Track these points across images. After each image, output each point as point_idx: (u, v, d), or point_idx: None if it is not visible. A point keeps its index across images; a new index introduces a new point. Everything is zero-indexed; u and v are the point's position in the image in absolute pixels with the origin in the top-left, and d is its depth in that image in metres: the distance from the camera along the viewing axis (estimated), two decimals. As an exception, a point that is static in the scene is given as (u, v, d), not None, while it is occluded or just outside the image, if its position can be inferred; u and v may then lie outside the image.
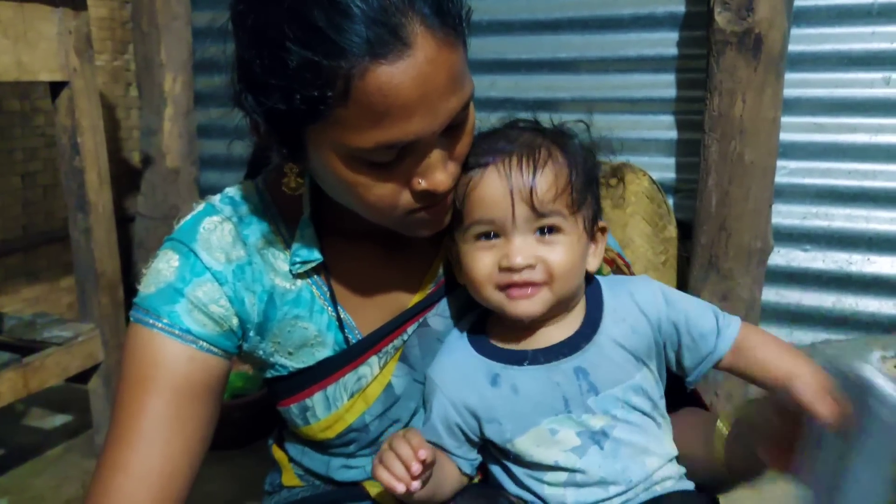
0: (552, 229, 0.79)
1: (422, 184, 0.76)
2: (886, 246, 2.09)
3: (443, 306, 0.93)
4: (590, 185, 0.84)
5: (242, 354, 0.98)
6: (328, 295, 0.92)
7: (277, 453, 1.13)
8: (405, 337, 0.93)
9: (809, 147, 2.12)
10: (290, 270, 0.90)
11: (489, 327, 0.87)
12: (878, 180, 2.08)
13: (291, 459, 1.09)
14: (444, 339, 0.92)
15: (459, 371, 0.84)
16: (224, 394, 0.92)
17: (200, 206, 0.93)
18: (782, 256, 2.19)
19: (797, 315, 2.20)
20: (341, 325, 0.93)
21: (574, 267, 0.80)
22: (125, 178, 2.82)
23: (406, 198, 0.78)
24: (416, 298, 0.93)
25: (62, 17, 1.66)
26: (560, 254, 0.79)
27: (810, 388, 0.63)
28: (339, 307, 0.92)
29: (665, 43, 2.21)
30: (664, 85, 2.24)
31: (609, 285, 0.87)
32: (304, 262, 0.90)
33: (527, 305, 0.78)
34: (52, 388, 2.25)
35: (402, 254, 0.93)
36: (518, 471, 0.83)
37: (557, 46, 2.34)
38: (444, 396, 0.84)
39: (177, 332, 0.86)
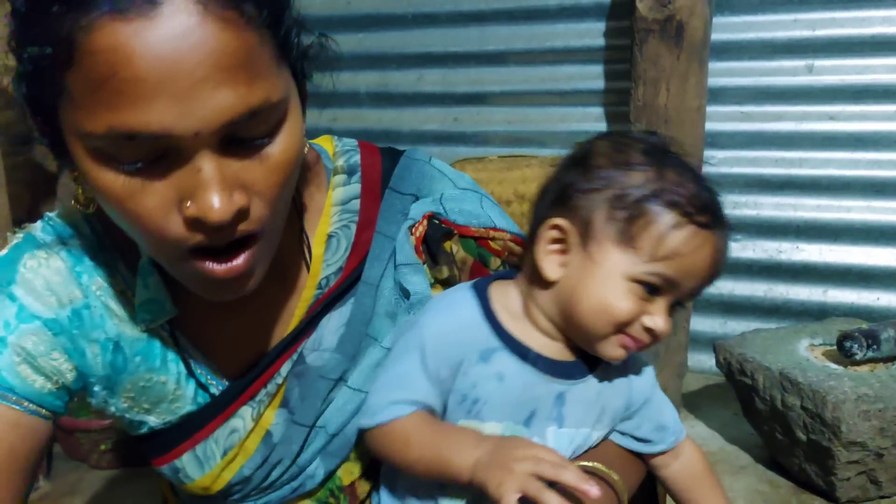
0: None
1: (189, 206, 0.59)
2: (814, 233, 2.09)
3: (318, 337, 0.82)
4: None
5: (91, 407, 0.88)
6: (179, 344, 0.80)
7: (165, 489, 1.04)
8: (279, 380, 0.82)
9: (737, 136, 2.11)
10: (137, 321, 0.78)
11: (496, 296, 0.78)
12: (805, 168, 2.07)
13: (178, 497, 1.00)
14: (327, 377, 0.81)
15: (459, 332, 0.75)
16: (40, 462, 0.79)
17: (18, 238, 0.78)
18: (714, 247, 2.17)
19: (730, 305, 2.19)
20: (198, 376, 0.81)
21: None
22: (42, 185, 2.68)
23: (177, 225, 0.61)
24: (284, 333, 0.82)
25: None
26: None
27: None
28: (191, 356, 0.81)
29: (592, 33, 2.18)
30: (592, 76, 2.21)
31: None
32: (155, 317, 0.77)
33: None
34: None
35: (271, 286, 0.79)
36: None
37: (484, 39, 2.28)
38: (439, 349, 0.75)
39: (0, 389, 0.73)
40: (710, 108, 2.01)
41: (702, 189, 0.72)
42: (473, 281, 0.80)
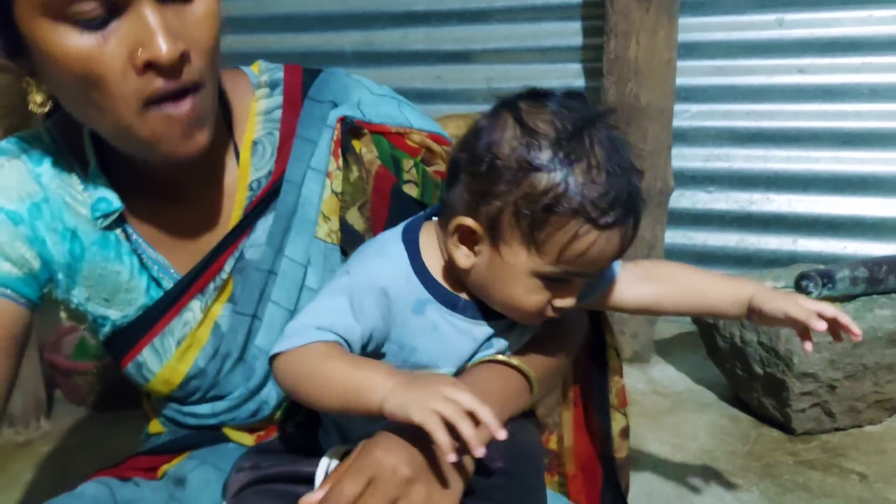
0: None
1: (141, 54, 0.69)
2: (784, 184, 2.16)
3: (258, 236, 0.90)
4: None
5: (60, 303, 0.95)
6: (133, 239, 0.89)
7: (145, 404, 1.13)
8: (224, 275, 0.91)
9: (709, 90, 2.17)
10: (92, 218, 0.86)
11: (425, 247, 0.80)
12: (775, 120, 2.13)
13: (154, 409, 1.09)
14: (262, 268, 0.90)
15: (389, 281, 0.77)
16: (23, 351, 0.85)
17: None
18: (687, 199, 2.24)
19: (703, 255, 2.26)
20: (149, 269, 0.90)
21: None
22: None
23: (132, 80, 0.70)
24: (224, 233, 0.90)
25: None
26: None
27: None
28: (146, 250, 0.89)
29: (569, -10, 2.23)
30: (571, 33, 2.26)
31: None
32: (105, 213, 0.86)
33: None
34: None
35: (204, 191, 0.89)
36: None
37: (466, -3, 2.34)
38: (367, 295, 0.76)
39: None
40: (684, 63, 2.07)
41: (611, 184, 0.70)
42: (403, 228, 0.82)
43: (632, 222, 0.73)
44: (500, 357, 0.82)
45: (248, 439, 1.01)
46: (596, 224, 0.69)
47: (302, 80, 0.97)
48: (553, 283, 0.73)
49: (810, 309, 0.80)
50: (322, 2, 2.46)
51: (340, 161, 0.91)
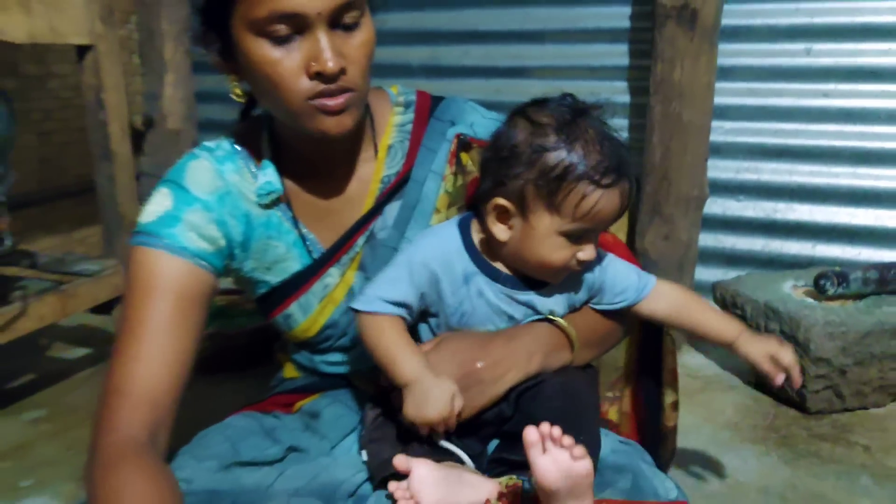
0: None
1: (313, 66, 0.93)
2: (806, 196, 2.41)
3: (387, 222, 1.16)
4: None
5: (233, 272, 1.23)
6: (291, 219, 1.14)
7: (279, 354, 1.41)
8: (357, 249, 1.15)
9: (743, 109, 2.42)
10: (258, 202, 1.12)
11: (474, 233, 1.02)
12: (800, 139, 2.38)
13: (288, 357, 1.37)
14: (389, 245, 1.14)
15: (442, 258, 1.02)
16: (209, 309, 1.11)
17: (184, 156, 1.14)
18: (719, 206, 2.50)
19: (732, 257, 2.52)
20: (305, 242, 1.15)
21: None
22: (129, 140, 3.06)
23: (305, 82, 0.95)
24: (360, 215, 1.16)
25: (89, -12, 1.90)
26: None
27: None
28: (301, 228, 1.15)
29: (619, 16, 2.49)
30: (619, 54, 2.52)
31: None
32: (268, 194, 1.12)
33: None
34: (71, 327, 2.51)
35: (347, 181, 1.15)
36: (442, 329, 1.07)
37: (525, 19, 2.60)
38: (426, 267, 1.01)
39: (176, 248, 1.05)
40: (721, 84, 2.32)
41: (605, 153, 0.91)
42: (459, 218, 1.05)
43: (626, 184, 0.94)
44: (549, 316, 1.08)
45: (370, 388, 1.28)
46: (599, 185, 0.91)
47: (430, 102, 1.25)
48: (573, 238, 0.96)
49: (770, 359, 1.07)
50: (393, 19, 2.74)
51: (454, 168, 1.19)
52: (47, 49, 2.61)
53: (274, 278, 1.20)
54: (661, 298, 1.11)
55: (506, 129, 0.99)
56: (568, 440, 0.84)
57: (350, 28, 0.99)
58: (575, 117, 0.94)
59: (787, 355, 1.08)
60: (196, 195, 1.12)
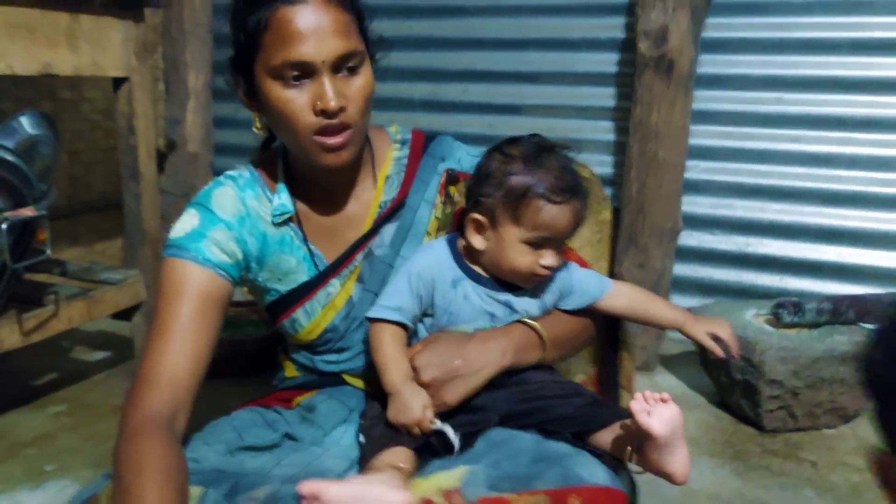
0: None
1: (318, 104, 1.12)
2: (776, 232, 2.59)
3: (384, 241, 1.35)
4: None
5: (248, 282, 1.42)
6: (301, 237, 1.34)
7: (281, 357, 1.60)
8: (357, 263, 1.35)
9: (719, 151, 2.61)
10: (272, 221, 1.31)
11: (459, 246, 1.23)
12: (772, 179, 2.57)
13: (289, 358, 1.56)
14: (385, 262, 1.33)
15: (435, 266, 1.24)
16: (226, 313, 1.29)
17: (211, 182, 1.34)
18: (695, 239, 2.68)
19: (707, 287, 2.70)
20: (312, 257, 1.37)
21: None
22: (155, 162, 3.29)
23: (311, 117, 1.13)
24: (360, 234, 1.35)
25: (126, 26, 2.13)
26: None
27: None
28: (310, 245, 1.34)
29: (607, 62, 2.70)
30: (605, 97, 2.73)
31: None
32: (282, 214, 1.31)
33: None
34: (92, 332, 2.72)
35: (350, 205, 1.35)
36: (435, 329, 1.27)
37: (520, 61, 2.82)
38: (420, 278, 1.23)
39: (201, 260, 1.24)
40: (699, 127, 2.53)
41: (560, 178, 1.14)
42: (448, 236, 1.26)
43: (577, 203, 1.16)
44: (523, 319, 1.28)
45: (361, 385, 1.47)
46: (552, 201, 1.13)
47: (424, 140, 1.45)
48: (535, 245, 1.17)
49: (710, 335, 1.27)
50: (397, 57, 2.94)
51: (444, 198, 1.39)
52: (81, 76, 2.84)
53: (284, 287, 1.39)
54: (620, 296, 1.32)
55: (484, 160, 1.22)
56: (661, 395, 1.09)
57: (351, 73, 1.19)
58: (539, 151, 1.18)
59: (724, 330, 1.28)
60: (220, 217, 1.32)
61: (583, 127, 2.78)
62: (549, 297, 1.32)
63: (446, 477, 1.18)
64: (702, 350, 2.24)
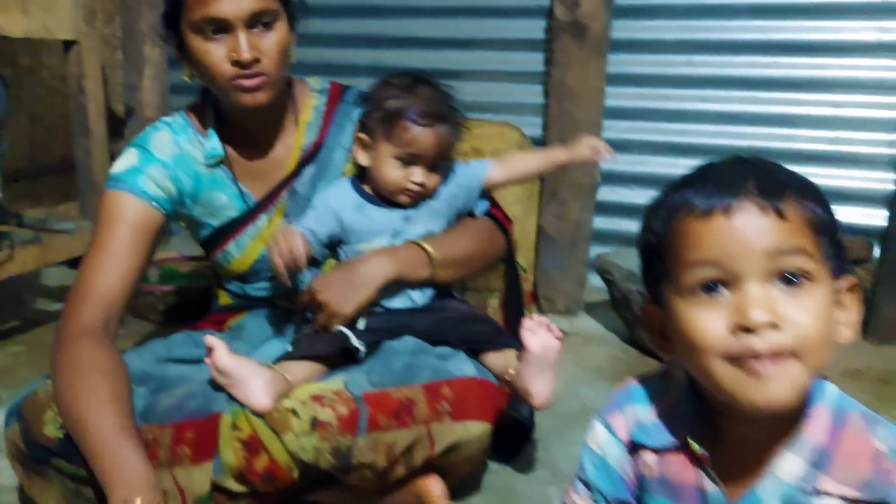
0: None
1: (233, 55, 1.32)
2: (688, 186, 2.79)
3: (304, 179, 1.55)
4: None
5: (184, 217, 1.59)
6: (231, 177, 1.54)
7: (215, 289, 1.79)
8: (282, 200, 1.55)
9: (635, 111, 2.80)
10: (205, 163, 1.51)
11: (363, 180, 1.48)
12: (684, 137, 2.76)
13: (223, 288, 1.75)
14: (306, 198, 1.53)
15: (338, 199, 1.46)
16: (158, 245, 1.50)
17: (148, 127, 1.53)
18: (615, 194, 2.88)
19: (625, 238, 2.89)
20: (242, 195, 1.55)
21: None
22: (110, 126, 3.44)
23: (228, 67, 1.34)
24: (284, 175, 1.56)
25: (74, -8, 2.30)
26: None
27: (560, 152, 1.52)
28: (239, 184, 1.54)
29: (535, 29, 2.85)
30: (534, 62, 2.90)
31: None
32: (213, 157, 1.51)
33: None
34: (52, 287, 2.88)
35: (274, 148, 1.55)
36: (349, 252, 1.49)
37: (456, 28, 2.99)
38: (328, 207, 1.45)
39: (137, 192, 1.44)
40: (617, 89, 2.72)
41: (429, 104, 1.37)
42: (351, 175, 1.51)
43: (443, 128, 1.39)
44: (414, 240, 1.48)
45: (285, 304, 1.65)
46: (418, 123, 1.36)
47: (340, 90, 1.64)
48: (405, 162, 1.39)
49: (582, 149, 1.53)
50: (343, 25, 3.13)
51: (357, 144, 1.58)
52: (40, 43, 2.99)
53: (216, 222, 1.59)
54: (500, 168, 1.54)
55: (372, 88, 1.45)
56: (550, 324, 1.32)
57: (266, 28, 1.37)
58: (416, 82, 1.40)
59: (591, 139, 1.54)
60: (157, 157, 1.50)
61: (514, 90, 2.96)
62: (442, 205, 1.52)
63: (323, 384, 1.38)
64: (611, 292, 2.46)
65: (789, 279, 0.72)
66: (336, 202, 1.46)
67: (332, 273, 1.48)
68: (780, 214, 0.72)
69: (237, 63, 1.39)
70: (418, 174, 1.44)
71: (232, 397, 1.31)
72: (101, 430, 1.17)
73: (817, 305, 0.72)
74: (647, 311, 0.88)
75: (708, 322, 0.73)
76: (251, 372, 1.30)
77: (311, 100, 1.64)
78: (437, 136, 1.41)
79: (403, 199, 1.47)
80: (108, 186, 1.50)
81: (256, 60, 1.40)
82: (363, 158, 1.46)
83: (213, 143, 1.56)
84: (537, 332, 1.34)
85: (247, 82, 1.41)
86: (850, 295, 0.78)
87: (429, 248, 1.48)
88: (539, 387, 1.37)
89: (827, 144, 2.60)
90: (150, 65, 3.22)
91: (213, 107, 1.56)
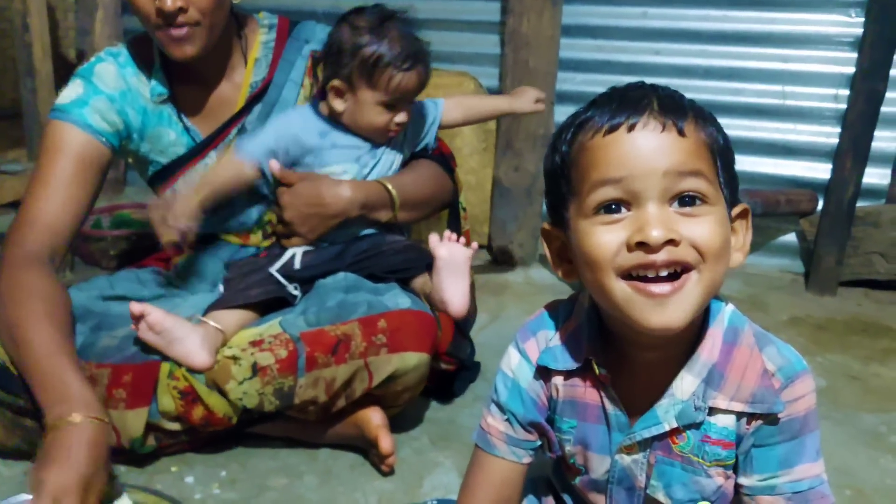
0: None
1: (157, 3, 1.29)
2: (640, 138, 2.83)
3: (253, 116, 1.55)
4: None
5: (131, 153, 1.59)
6: (178, 114, 1.53)
7: None
8: (231, 137, 1.54)
9: (591, 63, 2.82)
10: (151, 99, 1.50)
11: (321, 108, 1.47)
12: (638, 89, 2.80)
13: None
14: (253, 133, 1.53)
15: (299, 124, 1.46)
16: (104, 180, 1.48)
17: (93, 57, 1.51)
18: (570, 145, 2.91)
19: (579, 190, 2.94)
20: (189, 132, 1.55)
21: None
22: (63, 71, 3.36)
23: (154, 17, 1.31)
24: (233, 112, 1.55)
25: (17, -73, 2.23)
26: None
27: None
28: (185, 121, 1.53)
29: (494, -22, 2.86)
30: (492, 11, 2.90)
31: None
32: (159, 95, 1.49)
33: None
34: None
35: (221, 86, 1.54)
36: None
37: (413, -23, 2.97)
38: (288, 131, 1.44)
39: (82, 124, 1.42)
40: (573, 41, 2.73)
41: (406, 46, 1.36)
42: (309, 103, 1.50)
43: (422, 67, 1.39)
44: (379, 181, 1.49)
45: (235, 240, 1.65)
46: (401, 69, 1.36)
47: (289, 25, 1.63)
48: (389, 107, 1.39)
49: (528, 100, 1.62)
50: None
51: (312, 79, 1.56)
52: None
53: (164, 159, 1.58)
54: (454, 109, 1.58)
55: (335, 32, 1.41)
56: (458, 238, 1.39)
57: None
58: (382, 20, 1.38)
59: (533, 90, 1.64)
60: (102, 90, 1.48)
61: (473, 40, 2.95)
62: (406, 142, 1.55)
63: (261, 328, 1.41)
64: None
65: (687, 201, 0.74)
66: (297, 127, 1.46)
67: (303, 194, 1.47)
68: (681, 132, 0.75)
69: (161, 13, 1.36)
70: (402, 116, 1.45)
71: (168, 358, 1.33)
72: (40, 350, 1.18)
73: (713, 226, 0.74)
74: (547, 234, 0.90)
75: (608, 238, 0.75)
76: (187, 331, 1.32)
77: (259, 35, 1.63)
78: (418, 76, 1.42)
79: (382, 139, 1.49)
80: (53, 117, 1.49)
81: (181, 10, 1.37)
82: (339, 105, 1.45)
83: (158, 81, 1.55)
84: (447, 244, 1.40)
85: (174, 32, 1.39)
86: (742, 221, 0.82)
87: (393, 191, 1.50)
88: (452, 293, 1.42)
89: (774, 98, 2.64)
90: (102, 8, 3.14)
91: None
